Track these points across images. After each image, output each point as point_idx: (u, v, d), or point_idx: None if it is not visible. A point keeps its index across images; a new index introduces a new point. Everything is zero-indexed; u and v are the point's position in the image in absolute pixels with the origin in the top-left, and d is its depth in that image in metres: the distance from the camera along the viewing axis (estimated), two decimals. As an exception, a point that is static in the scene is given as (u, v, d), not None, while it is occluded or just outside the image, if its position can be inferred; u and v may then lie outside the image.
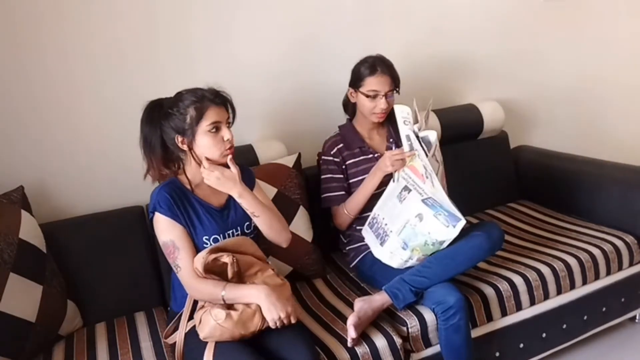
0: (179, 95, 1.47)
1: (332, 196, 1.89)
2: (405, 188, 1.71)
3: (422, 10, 2.40)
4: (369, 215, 1.84)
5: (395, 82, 1.85)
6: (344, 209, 1.86)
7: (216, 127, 1.44)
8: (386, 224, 1.73)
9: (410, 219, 1.65)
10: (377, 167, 1.79)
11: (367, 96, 1.83)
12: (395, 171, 1.74)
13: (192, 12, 1.98)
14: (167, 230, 1.45)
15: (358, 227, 1.91)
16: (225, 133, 1.46)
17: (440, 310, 1.61)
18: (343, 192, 1.87)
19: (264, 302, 1.37)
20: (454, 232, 1.59)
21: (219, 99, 1.46)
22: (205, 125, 1.42)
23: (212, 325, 1.35)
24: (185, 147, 1.46)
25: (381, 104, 1.82)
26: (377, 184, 1.79)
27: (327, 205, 1.91)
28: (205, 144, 1.44)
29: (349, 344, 1.53)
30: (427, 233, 1.62)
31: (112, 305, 1.79)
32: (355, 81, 1.86)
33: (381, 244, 1.74)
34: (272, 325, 1.38)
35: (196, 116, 1.42)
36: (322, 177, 1.92)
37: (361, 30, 2.28)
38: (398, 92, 1.87)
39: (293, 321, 1.40)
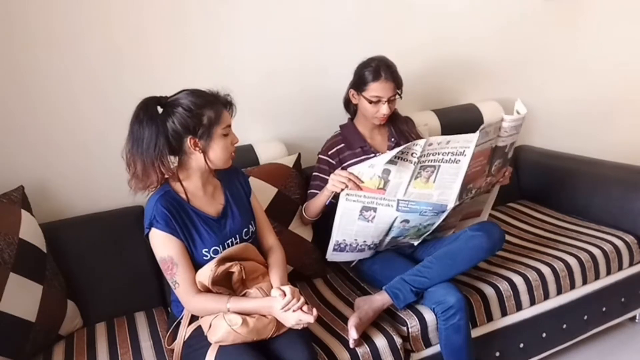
0: (187, 94, 1.39)
1: (310, 193, 1.88)
2: (366, 208, 1.62)
3: (422, 10, 2.40)
4: None
5: (398, 87, 1.84)
6: (303, 209, 1.88)
7: (228, 131, 1.43)
8: (364, 241, 1.72)
9: (395, 224, 1.66)
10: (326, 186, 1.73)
11: (370, 102, 1.82)
12: (340, 191, 1.61)
13: (190, 14, 1.98)
14: (164, 245, 1.39)
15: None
16: (233, 137, 1.45)
17: (440, 310, 1.61)
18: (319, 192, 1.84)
19: (278, 313, 1.37)
20: (443, 215, 1.63)
21: (228, 103, 1.45)
22: (221, 128, 1.40)
23: (227, 330, 1.33)
24: (197, 151, 1.40)
25: (383, 109, 1.82)
26: (326, 201, 1.75)
27: (308, 200, 1.89)
28: (220, 147, 1.41)
29: (351, 345, 1.53)
30: (419, 224, 1.68)
31: (112, 305, 1.78)
32: (359, 85, 1.85)
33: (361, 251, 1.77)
34: (299, 327, 1.37)
35: (214, 118, 1.38)
36: (313, 174, 1.91)
37: (362, 30, 2.28)
38: (400, 96, 1.86)
39: (311, 319, 1.35)
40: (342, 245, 1.73)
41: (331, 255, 1.76)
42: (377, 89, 1.80)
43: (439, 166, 1.55)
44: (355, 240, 1.71)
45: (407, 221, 1.65)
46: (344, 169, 1.86)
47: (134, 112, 1.37)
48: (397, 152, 1.53)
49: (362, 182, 1.59)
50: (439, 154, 1.53)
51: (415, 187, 1.58)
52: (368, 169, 1.57)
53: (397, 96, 1.86)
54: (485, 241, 1.65)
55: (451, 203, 1.60)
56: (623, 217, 2.12)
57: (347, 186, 1.59)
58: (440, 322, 1.62)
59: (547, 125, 2.80)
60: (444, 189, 1.58)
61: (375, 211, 1.63)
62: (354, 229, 1.68)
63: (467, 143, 1.51)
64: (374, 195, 1.60)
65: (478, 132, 1.49)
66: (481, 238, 1.65)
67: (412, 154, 1.53)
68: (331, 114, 2.08)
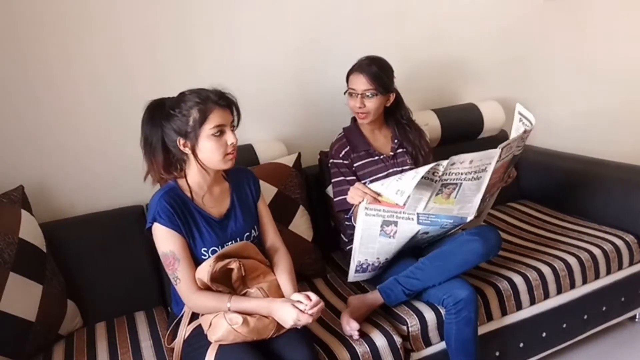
0: (182, 95, 1.41)
1: (339, 200, 1.84)
2: (387, 223, 1.59)
3: (422, 11, 2.40)
4: None
5: (374, 83, 1.81)
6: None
7: (220, 131, 1.39)
8: (386, 259, 1.69)
9: (416, 235, 1.63)
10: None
11: (349, 94, 1.87)
12: (357, 204, 1.59)
13: (193, 13, 1.98)
14: (166, 241, 1.40)
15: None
16: (229, 137, 1.41)
17: (451, 302, 1.59)
18: None
19: (277, 314, 1.37)
20: (464, 223, 1.63)
21: (224, 101, 1.41)
22: (208, 128, 1.38)
23: (227, 329, 1.34)
24: (187, 151, 1.41)
25: (356, 102, 1.84)
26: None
27: (341, 209, 1.84)
28: (208, 148, 1.39)
29: (356, 336, 1.54)
30: (437, 234, 1.68)
31: (112, 305, 1.79)
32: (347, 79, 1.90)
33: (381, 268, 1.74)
34: (298, 326, 1.37)
35: (199, 119, 1.37)
36: (335, 180, 1.87)
37: (361, 31, 2.28)
38: (382, 94, 1.83)
39: (310, 319, 1.35)
40: (364, 266, 1.69)
41: (353, 277, 1.73)
42: (351, 80, 1.86)
43: (461, 184, 1.52)
44: (378, 259, 1.67)
45: (426, 233, 1.64)
46: (355, 169, 1.86)
47: (144, 112, 1.46)
48: (421, 176, 1.47)
49: (380, 195, 1.56)
50: (461, 173, 1.50)
51: (435, 203, 1.55)
52: (395, 196, 1.52)
53: (375, 94, 1.82)
54: (481, 246, 1.62)
55: (471, 216, 1.59)
56: (623, 216, 2.12)
57: (363, 199, 1.57)
58: (450, 315, 1.61)
59: (547, 124, 2.79)
60: (465, 203, 1.57)
61: (396, 225, 1.59)
62: (375, 247, 1.63)
63: (489, 159, 1.49)
64: (393, 209, 1.57)
65: (499, 148, 1.47)
66: (477, 243, 1.62)
67: (433, 173, 1.50)
68: (331, 113, 2.08)
